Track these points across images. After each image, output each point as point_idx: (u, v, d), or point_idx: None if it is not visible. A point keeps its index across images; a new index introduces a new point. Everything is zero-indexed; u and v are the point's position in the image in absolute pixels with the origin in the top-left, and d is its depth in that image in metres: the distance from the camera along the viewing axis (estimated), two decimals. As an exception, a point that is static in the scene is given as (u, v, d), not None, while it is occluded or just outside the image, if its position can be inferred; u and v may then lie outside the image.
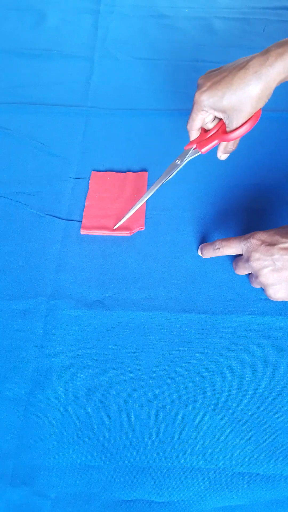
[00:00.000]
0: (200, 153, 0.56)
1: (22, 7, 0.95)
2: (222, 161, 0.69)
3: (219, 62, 0.83)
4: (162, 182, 0.58)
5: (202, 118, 0.52)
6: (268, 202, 0.63)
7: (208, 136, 0.55)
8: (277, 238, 0.47)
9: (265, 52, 0.47)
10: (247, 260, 0.48)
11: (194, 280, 0.55)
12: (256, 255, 0.47)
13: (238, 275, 0.56)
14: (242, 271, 0.51)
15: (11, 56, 0.84)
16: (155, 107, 0.76)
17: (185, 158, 0.56)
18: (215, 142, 0.54)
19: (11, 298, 0.54)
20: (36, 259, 0.58)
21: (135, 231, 0.60)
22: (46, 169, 0.67)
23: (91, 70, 0.82)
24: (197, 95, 0.51)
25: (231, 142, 0.54)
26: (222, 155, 0.57)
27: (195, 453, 0.44)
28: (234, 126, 0.51)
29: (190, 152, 0.56)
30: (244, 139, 0.71)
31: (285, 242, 0.47)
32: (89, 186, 0.65)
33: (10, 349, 0.51)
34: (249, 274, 0.52)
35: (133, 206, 0.59)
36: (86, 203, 0.63)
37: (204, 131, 0.56)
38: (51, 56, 0.84)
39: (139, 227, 0.60)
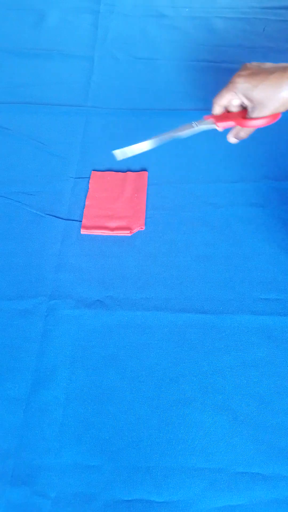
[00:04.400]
0: (215, 127, 0.58)
1: (22, 7, 0.95)
2: (222, 161, 0.69)
3: (219, 62, 0.83)
4: (173, 136, 0.59)
5: (229, 99, 0.55)
6: (268, 202, 0.63)
7: (229, 117, 0.58)
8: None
9: None
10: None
11: (194, 280, 0.55)
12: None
13: (238, 275, 0.56)
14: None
15: (11, 56, 0.84)
16: (155, 107, 0.76)
17: (201, 125, 0.59)
18: (232, 123, 0.57)
19: (11, 298, 0.54)
20: (36, 259, 0.58)
21: (135, 231, 0.60)
22: (46, 169, 0.67)
23: (91, 70, 0.82)
24: (235, 76, 0.55)
25: (244, 130, 0.57)
26: (231, 138, 0.59)
27: (195, 453, 0.44)
28: (255, 116, 0.54)
29: (206, 122, 0.59)
30: (244, 140, 0.71)
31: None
32: (89, 186, 0.65)
33: (10, 349, 0.51)
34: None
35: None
36: (86, 203, 0.63)
37: (227, 112, 0.59)
38: (51, 56, 0.84)
39: (139, 227, 0.60)
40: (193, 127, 0.59)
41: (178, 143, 0.71)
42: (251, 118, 0.55)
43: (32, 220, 0.61)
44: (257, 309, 0.53)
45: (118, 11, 0.94)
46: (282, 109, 0.53)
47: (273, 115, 0.55)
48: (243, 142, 0.71)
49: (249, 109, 0.55)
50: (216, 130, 0.59)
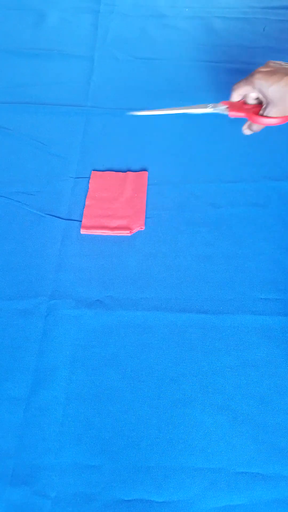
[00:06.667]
0: (226, 114, 0.61)
1: (22, 7, 0.95)
2: (222, 161, 0.69)
3: (219, 62, 0.83)
4: (186, 111, 0.61)
5: (247, 90, 0.58)
6: (268, 202, 0.63)
7: (243, 108, 0.61)
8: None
9: None
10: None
11: (194, 280, 0.55)
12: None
13: (238, 275, 0.56)
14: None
15: (11, 56, 0.84)
16: (155, 107, 0.76)
17: (215, 108, 0.61)
18: (243, 114, 0.60)
19: (11, 298, 0.54)
20: (36, 259, 0.58)
21: (135, 231, 0.60)
22: (46, 169, 0.67)
23: (91, 70, 0.82)
24: (256, 70, 0.57)
25: (256, 124, 0.60)
26: (246, 130, 0.62)
27: (195, 453, 0.44)
28: (265, 114, 0.57)
29: (220, 107, 0.61)
30: (244, 140, 0.71)
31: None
32: (89, 186, 0.65)
33: (10, 348, 0.51)
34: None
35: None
36: (86, 203, 0.63)
37: (244, 103, 0.61)
38: (51, 56, 0.84)
39: (139, 227, 0.60)
40: (206, 108, 0.62)
41: (178, 143, 0.71)
42: (261, 116, 0.58)
43: (32, 220, 0.61)
44: (257, 309, 0.53)
45: (118, 11, 0.94)
46: None
47: (284, 117, 0.57)
48: (243, 142, 0.71)
49: (264, 105, 0.57)
50: (222, 126, 0.67)
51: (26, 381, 0.48)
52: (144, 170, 0.67)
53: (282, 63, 0.59)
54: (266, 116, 0.58)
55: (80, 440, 0.45)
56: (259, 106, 0.61)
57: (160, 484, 0.43)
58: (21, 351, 0.50)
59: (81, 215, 0.62)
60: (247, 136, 0.61)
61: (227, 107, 0.61)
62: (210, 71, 0.82)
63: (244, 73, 0.80)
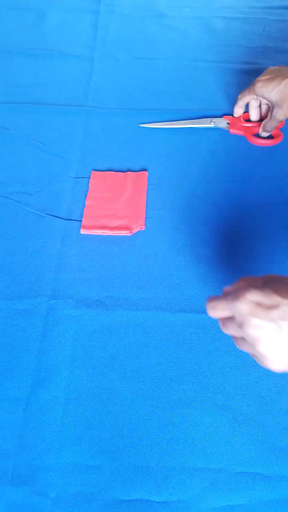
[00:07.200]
0: (227, 130, 0.71)
1: (22, 7, 0.95)
2: (222, 161, 0.70)
3: (219, 62, 0.83)
4: (190, 125, 0.70)
5: (250, 98, 0.65)
6: (268, 201, 0.63)
7: (243, 125, 0.71)
8: (275, 298, 0.36)
9: None
10: (241, 325, 0.37)
11: (194, 280, 0.55)
12: (253, 321, 0.36)
13: (239, 275, 0.56)
14: (232, 332, 0.40)
15: (11, 56, 0.84)
16: (155, 107, 0.76)
17: (217, 124, 0.71)
18: (241, 132, 0.70)
19: (11, 298, 0.54)
20: (36, 259, 0.58)
21: (135, 231, 0.60)
22: (46, 169, 0.67)
23: (91, 70, 0.82)
24: (256, 80, 0.62)
25: (269, 124, 0.67)
26: (262, 133, 0.69)
27: (195, 453, 0.44)
28: (277, 118, 0.63)
29: (222, 123, 0.71)
30: (244, 140, 0.71)
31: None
32: (89, 185, 0.65)
33: (10, 348, 0.51)
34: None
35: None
36: (86, 203, 0.63)
37: (244, 119, 0.71)
38: (51, 56, 0.84)
39: (139, 227, 0.60)
40: (210, 123, 0.71)
41: (178, 143, 0.71)
42: (257, 137, 0.68)
43: (32, 220, 0.61)
44: (257, 309, 0.53)
45: (118, 11, 0.94)
46: None
47: (278, 138, 0.68)
48: (242, 142, 0.71)
49: (271, 108, 0.63)
50: (221, 129, 0.71)
51: (26, 381, 0.48)
52: (144, 170, 0.67)
53: (282, 67, 0.61)
54: (260, 138, 0.68)
55: (80, 440, 0.45)
56: (257, 125, 0.69)
57: (160, 484, 0.43)
58: (21, 351, 0.50)
59: (81, 215, 0.62)
60: (247, 136, 0.62)
61: (228, 123, 0.70)
62: (210, 71, 0.82)
63: (244, 73, 0.80)
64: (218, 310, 0.40)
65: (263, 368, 0.49)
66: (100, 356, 0.50)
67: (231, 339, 0.51)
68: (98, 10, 0.94)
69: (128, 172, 0.66)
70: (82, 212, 0.62)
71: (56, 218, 0.61)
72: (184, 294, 0.54)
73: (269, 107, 0.67)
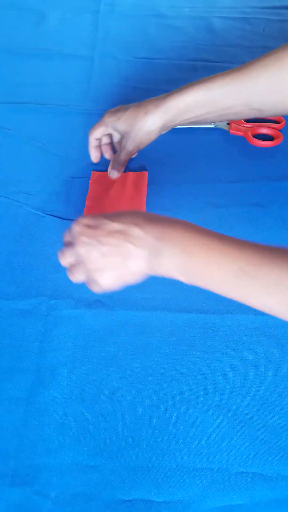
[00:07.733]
0: (227, 130, 0.72)
1: (22, 7, 0.95)
2: (222, 161, 0.70)
3: (219, 62, 0.83)
4: (192, 125, 0.69)
5: (102, 131, 0.61)
6: (268, 202, 0.63)
7: (243, 125, 0.72)
8: (101, 220, 0.44)
9: (166, 95, 0.58)
10: (75, 246, 0.45)
11: (194, 280, 0.55)
12: (81, 239, 0.44)
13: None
14: (66, 260, 0.47)
15: (11, 56, 0.84)
16: (155, 107, 0.75)
17: (218, 124, 0.72)
18: (241, 133, 0.71)
19: (11, 298, 0.54)
20: (36, 259, 0.57)
21: (135, 231, 0.60)
22: (46, 169, 0.67)
23: (91, 70, 0.82)
24: (105, 112, 0.60)
25: (118, 159, 0.62)
26: (111, 172, 0.63)
27: (195, 453, 0.44)
28: (127, 149, 0.59)
29: (223, 124, 0.72)
30: (244, 140, 0.71)
31: (110, 224, 0.43)
32: (89, 186, 0.65)
33: (10, 348, 0.51)
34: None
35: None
36: (86, 203, 0.63)
37: (243, 121, 0.71)
38: (51, 56, 0.84)
39: (139, 227, 0.60)
40: (209, 123, 0.70)
41: (178, 143, 0.71)
42: (256, 139, 0.69)
43: (32, 220, 0.61)
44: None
45: (118, 10, 0.94)
46: (146, 139, 0.58)
47: (277, 139, 0.68)
48: (242, 143, 0.71)
49: (121, 141, 0.60)
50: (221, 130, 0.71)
51: (26, 381, 0.48)
52: (144, 170, 0.67)
53: (131, 104, 0.60)
54: (259, 140, 0.68)
55: (80, 440, 0.45)
56: (257, 126, 0.70)
57: (160, 484, 0.43)
58: (21, 351, 0.50)
59: (81, 215, 0.61)
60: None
61: (228, 124, 0.70)
62: (210, 71, 0.82)
63: (244, 73, 0.80)
64: (66, 257, 0.47)
65: (263, 368, 0.49)
66: (100, 356, 0.50)
67: (231, 339, 0.51)
68: (98, 10, 0.94)
69: (128, 172, 0.66)
70: (82, 212, 0.62)
71: (56, 218, 0.61)
72: (184, 294, 0.54)
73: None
